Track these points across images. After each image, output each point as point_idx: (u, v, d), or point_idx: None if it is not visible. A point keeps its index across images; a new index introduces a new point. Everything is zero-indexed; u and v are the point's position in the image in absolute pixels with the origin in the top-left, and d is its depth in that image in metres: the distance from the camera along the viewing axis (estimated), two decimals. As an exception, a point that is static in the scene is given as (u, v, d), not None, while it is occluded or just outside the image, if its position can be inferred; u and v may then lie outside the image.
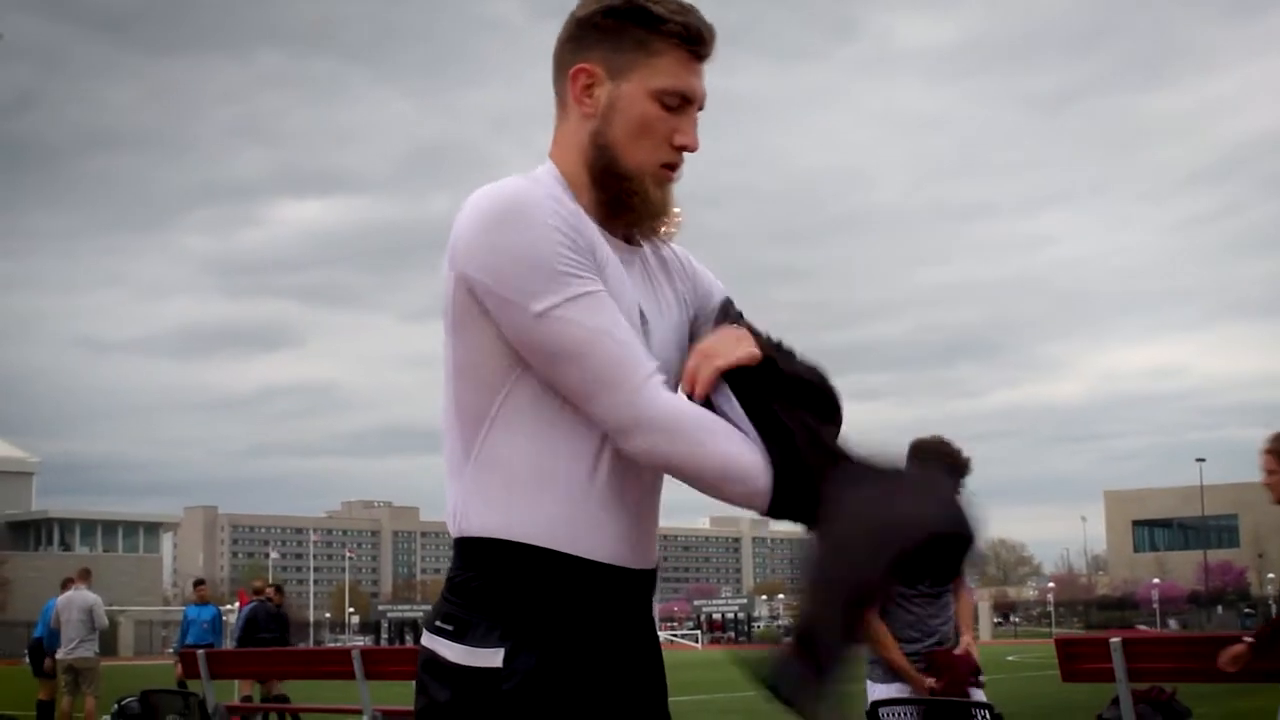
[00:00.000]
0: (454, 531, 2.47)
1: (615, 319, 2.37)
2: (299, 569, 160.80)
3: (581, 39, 2.51)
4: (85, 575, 17.56)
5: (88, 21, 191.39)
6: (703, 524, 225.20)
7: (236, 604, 19.52)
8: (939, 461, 5.95)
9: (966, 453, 6.13)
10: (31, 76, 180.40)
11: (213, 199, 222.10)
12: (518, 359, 2.38)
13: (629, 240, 2.56)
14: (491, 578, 2.39)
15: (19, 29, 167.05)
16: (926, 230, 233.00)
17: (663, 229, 2.57)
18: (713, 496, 2.42)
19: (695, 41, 2.49)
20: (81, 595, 17.07)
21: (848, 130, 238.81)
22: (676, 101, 2.49)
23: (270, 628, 17.73)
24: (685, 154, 2.55)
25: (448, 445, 2.48)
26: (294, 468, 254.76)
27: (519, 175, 2.49)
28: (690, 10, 2.50)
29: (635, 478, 2.46)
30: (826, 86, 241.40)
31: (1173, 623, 73.03)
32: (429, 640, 2.44)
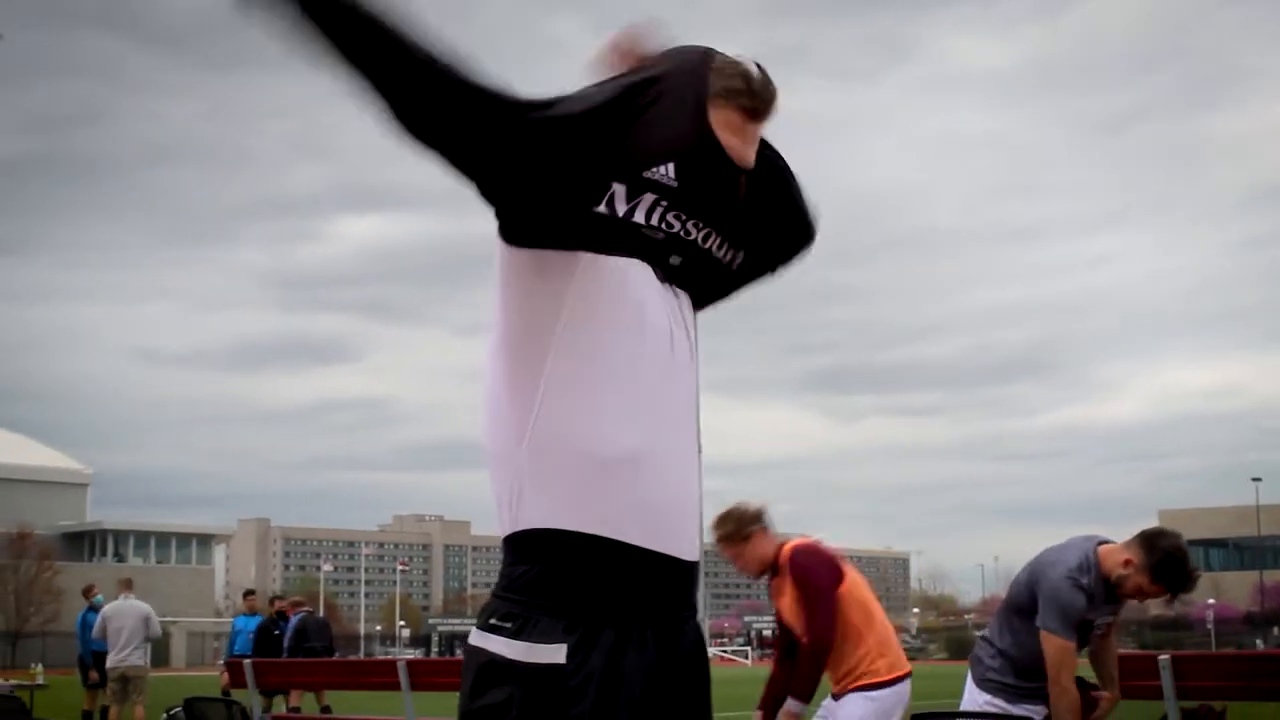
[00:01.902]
0: (507, 524, 2.45)
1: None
2: (350, 582, 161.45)
3: None
4: (128, 584, 17.61)
5: (149, 38, 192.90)
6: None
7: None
8: (1169, 564, 5.74)
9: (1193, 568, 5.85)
10: (93, 92, 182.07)
11: (270, 213, 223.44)
12: (562, 314, 2.40)
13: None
14: (553, 570, 2.37)
15: (82, 46, 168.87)
16: (982, 250, 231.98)
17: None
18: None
19: (756, 108, 2.57)
20: (133, 604, 17.09)
21: (903, 150, 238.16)
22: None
23: (319, 638, 17.82)
24: None
25: (493, 429, 2.46)
26: (347, 481, 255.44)
27: None
28: (753, 79, 2.56)
29: (680, 464, 2.51)
30: (882, 107, 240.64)
31: (1228, 644, 72.39)
32: (481, 639, 2.42)
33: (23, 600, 74.01)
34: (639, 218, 2.47)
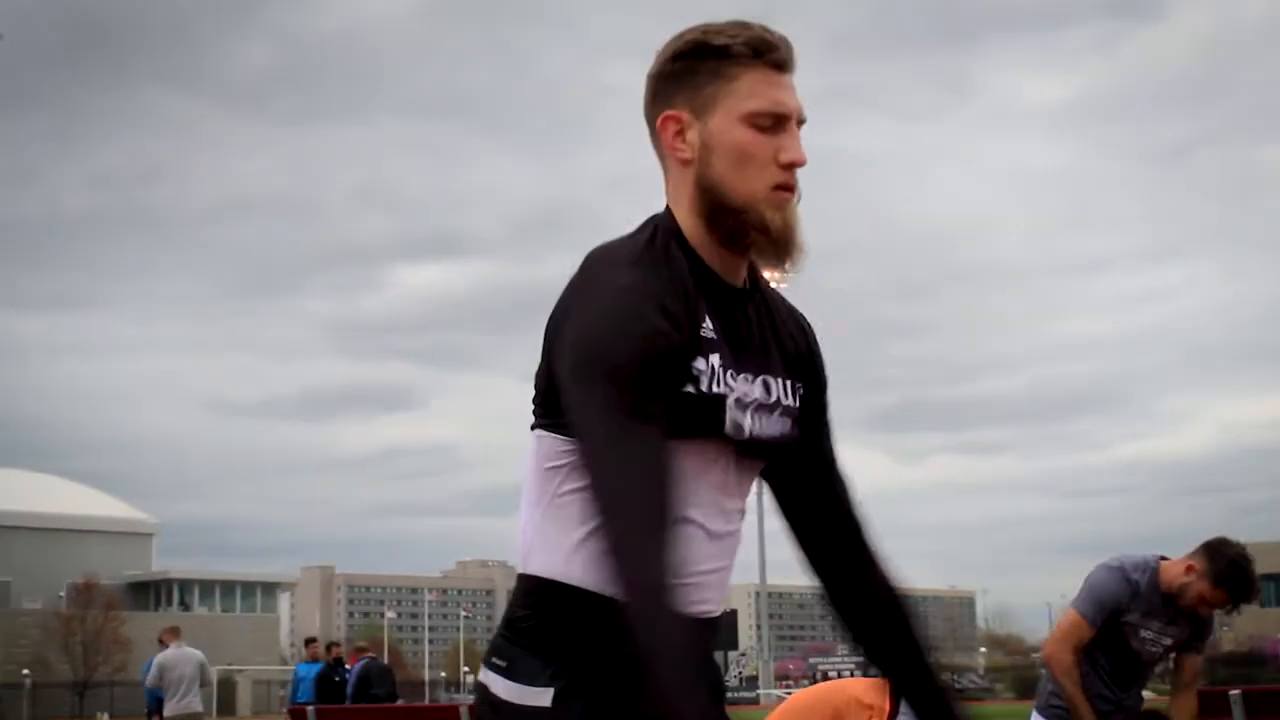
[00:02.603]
0: (519, 568, 2.46)
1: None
2: (414, 628, 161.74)
3: (661, 91, 2.44)
4: (175, 632, 17.70)
5: (219, 94, 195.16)
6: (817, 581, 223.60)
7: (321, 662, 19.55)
8: (1233, 569, 5.65)
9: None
10: (164, 148, 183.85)
11: (336, 263, 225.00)
12: None
13: (747, 283, 2.48)
14: (546, 618, 2.37)
15: (152, 104, 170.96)
16: (1046, 284, 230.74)
17: (791, 258, 2.42)
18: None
19: (768, 52, 2.40)
20: (186, 651, 17.21)
21: (966, 186, 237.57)
22: (770, 121, 2.38)
23: (382, 684, 17.78)
24: (797, 170, 2.41)
25: (526, 487, 2.46)
26: (411, 527, 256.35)
27: (628, 234, 2.44)
28: (751, 26, 2.41)
29: (700, 535, 2.40)
30: (945, 144, 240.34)
31: (1302, 680, 71.23)
32: (484, 675, 2.43)
33: (90, 650, 74.46)
34: (720, 388, 2.37)
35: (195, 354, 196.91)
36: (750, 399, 2.42)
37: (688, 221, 2.43)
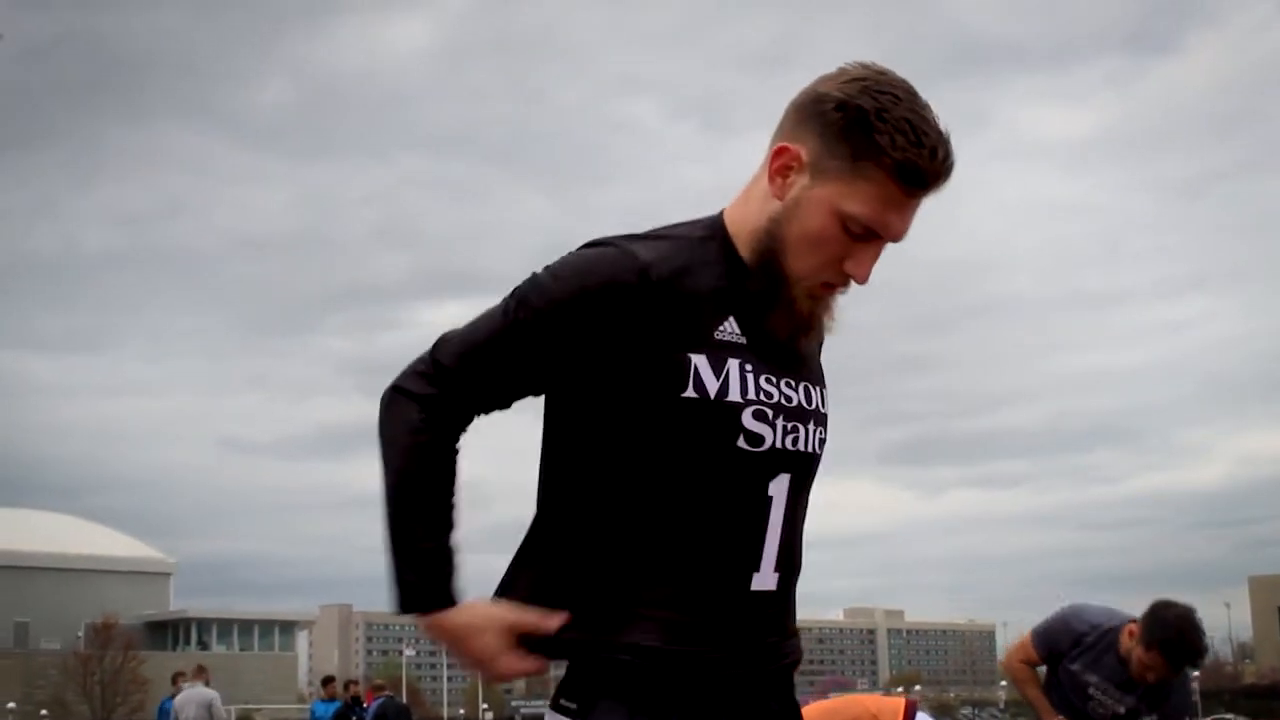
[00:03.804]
0: None
1: (503, 344, 2.32)
2: (433, 665, 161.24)
3: (801, 120, 2.34)
4: (201, 672, 17.69)
5: (236, 130, 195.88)
6: (836, 616, 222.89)
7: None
8: (1165, 632, 5.41)
9: (1206, 639, 5.58)
10: (181, 184, 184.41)
11: (354, 301, 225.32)
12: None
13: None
14: (619, 658, 2.30)
15: (168, 140, 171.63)
16: (1063, 317, 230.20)
17: (796, 336, 2.39)
18: None
19: (913, 183, 2.28)
20: (199, 691, 17.21)
21: (982, 220, 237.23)
22: (861, 231, 2.30)
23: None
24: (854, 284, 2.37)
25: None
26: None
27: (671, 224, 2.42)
28: (924, 145, 2.26)
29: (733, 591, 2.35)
30: (961, 177, 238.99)
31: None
32: (551, 718, 2.36)
33: (109, 690, 74.38)
34: (734, 396, 2.31)
35: (213, 392, 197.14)
36: (792, 403, 2.37)
37: (744, 233, 2.38)
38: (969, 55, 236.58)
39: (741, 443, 2.30)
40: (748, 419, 2.30)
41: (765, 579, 2.34)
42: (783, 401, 2.35)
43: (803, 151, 2.31)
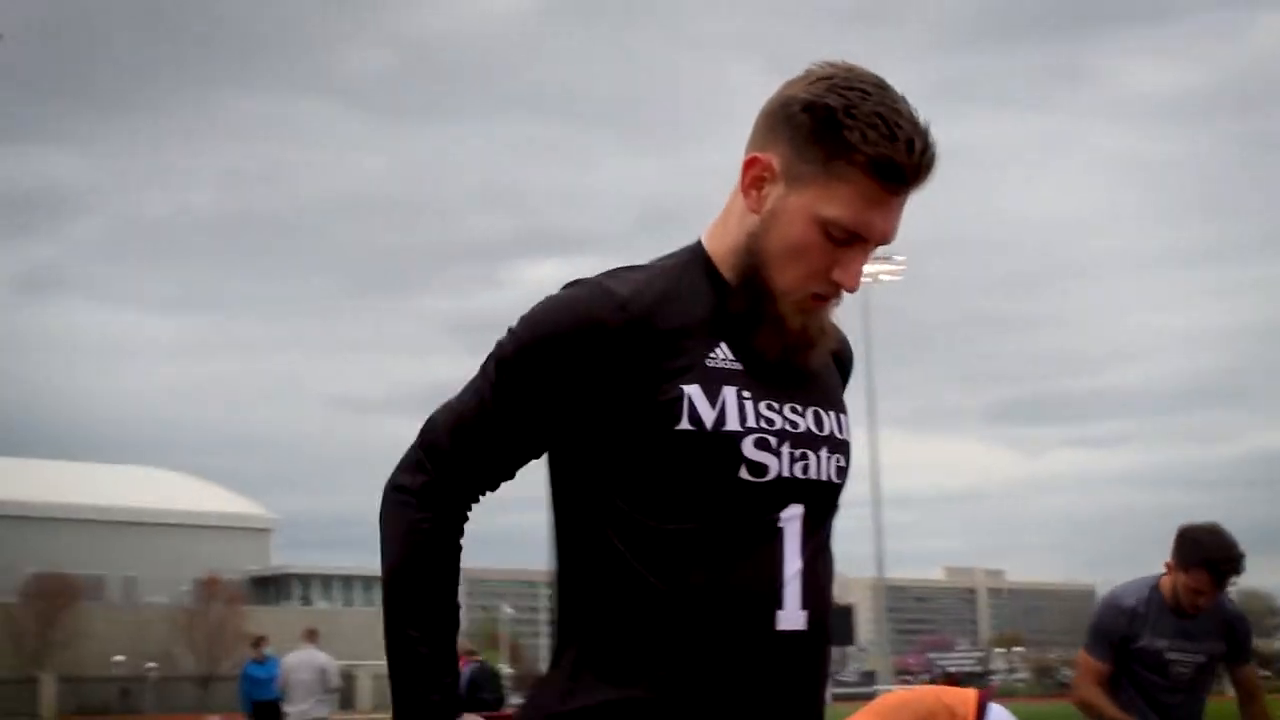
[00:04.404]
0: None
1: (496, 417, 2.22)
2: (532, 622, 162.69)
3: (770, 127, 2.23)
4: (313, 635, 17.67)
5: (341, 94, 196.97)
6: (936, 574, 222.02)
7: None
8: (1195, 546, 5.42)
9: (1241, 547, 5.54)
10: (286, 148, 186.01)
11: (456, 261, 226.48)
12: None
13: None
14: None
15: (269, 105, 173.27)
16: (1165, 274, 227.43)
17: (801, 356, 2.23)
18: None
19: (889, 177, 2.14)
20: (311, 655, 17.15)
21: (1080, 177, 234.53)
22: (844, 235, 2.15)
23: (491, 689, 17.76)
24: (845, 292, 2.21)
25: None
26: (532, 521, 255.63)
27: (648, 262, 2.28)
28: (898, 137, 2.13)
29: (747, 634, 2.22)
30: (1057, 134, 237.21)
31: None
32: None
33: (214, 644, 75.45)
34: (732, 424, 2.16)
35: (319, 351, 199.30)
36: (799, 429, 2.22)
37: (725, 254, 2.26)
38: (1067, 8, 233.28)
39: (744, 473, 2.15)
40: (749, 448, 2.15)
41: (792, 617, 2.18)
42: (787, 428, 2.20)
43: (774, 160, 2.20)
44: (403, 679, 2.19)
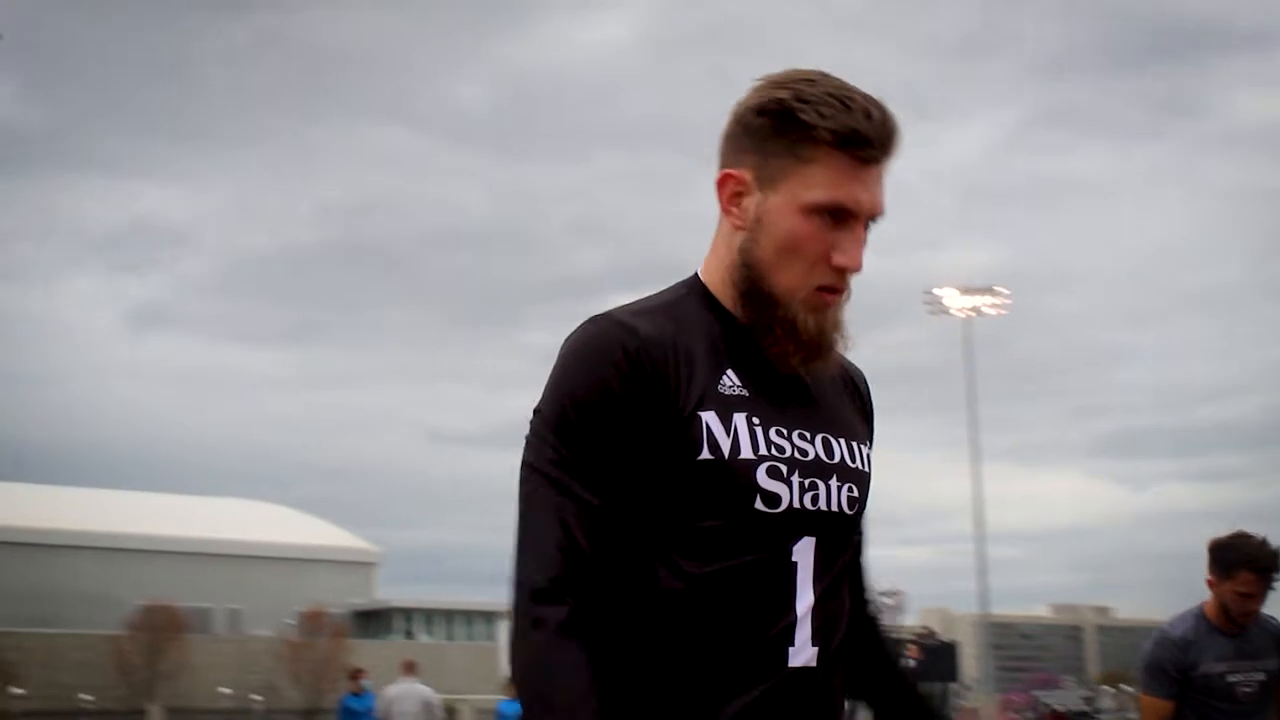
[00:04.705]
0: None
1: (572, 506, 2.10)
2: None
3: (732, 142, 2.26)
4: (412, 668, 17.69)
5: (437, 127, 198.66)
6: (1042, 611, 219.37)
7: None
8: (1229, 549, 5.38)
9: (1275, 543, 5.49)
10: (383, 180, 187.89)
11: (552, 295, 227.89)
12: None
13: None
14: None
15: (375, 138, 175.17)
16: (1273, 307, 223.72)
17: (820, 360, 2.21)
18: None
19: (855, 145, 2.16)
20: (414, 687, 17.19)
21: (1189, 208, 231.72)
22: (834, 216, 2.14)
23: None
24: (850, 274, 2.19)
25: None
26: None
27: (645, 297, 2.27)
28: (852, 108, 2.16)
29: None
30: (1166, 164, 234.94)
31: None
32: None
33: (318, 677, 75.94)
34: (746, 453, 2.13)
35: (417, 384, 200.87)
36: (809, 457, 2.17)
37: (721, 281, 2.26)
38: (1175, 38, 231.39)
39: (759, 504, 2.11)
40: (762, 477, 2.12)
41: (803, 654, 2.16)
42: (796, 456, 2.16)
43: (745, 172, 2.23)
44: None
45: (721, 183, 2.24)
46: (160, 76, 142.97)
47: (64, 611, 75.66)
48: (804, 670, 2.15)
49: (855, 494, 2.23)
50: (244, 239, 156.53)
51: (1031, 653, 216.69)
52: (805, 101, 2.16)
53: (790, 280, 2.18)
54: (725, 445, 2.12)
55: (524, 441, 2.17)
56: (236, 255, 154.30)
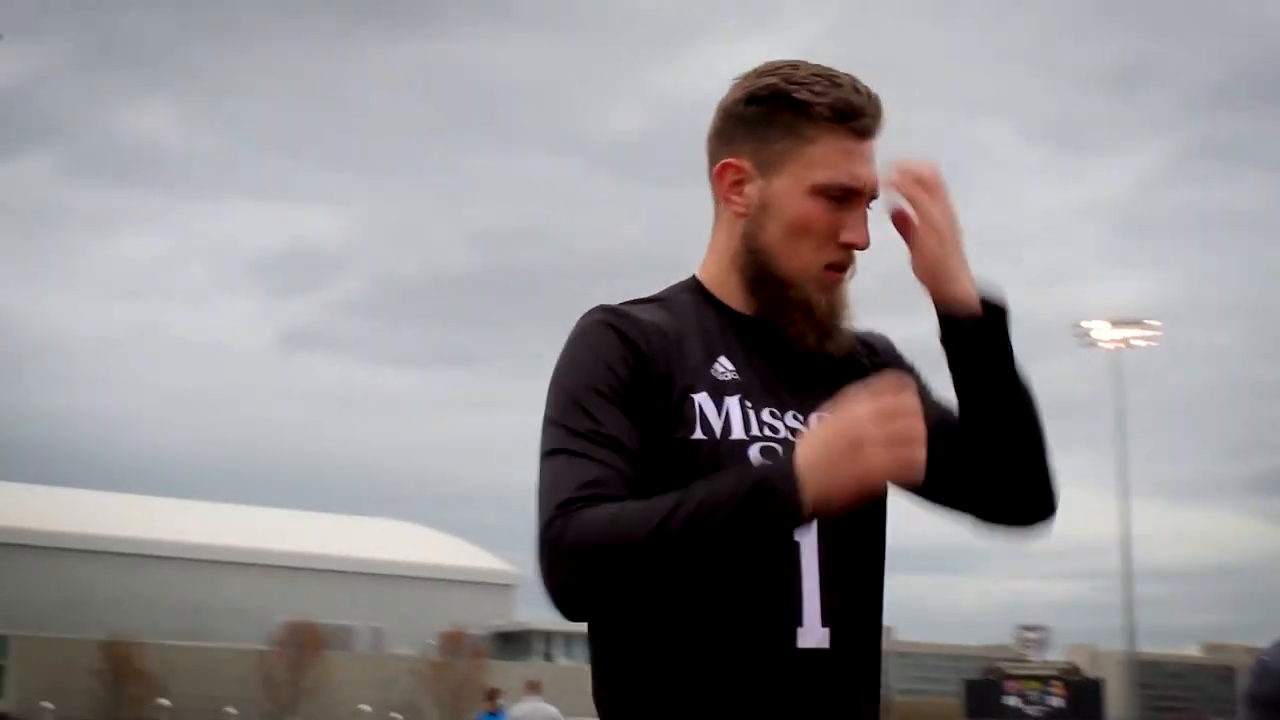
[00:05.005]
0: None
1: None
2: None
3: (726, 133, 2.28)
4: (535, 687, 17.76)
5: (592, 155, 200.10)
6: (1192, 650, 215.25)
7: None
8: None
9: None
10: (538, 209, 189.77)
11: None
12: None
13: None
14: None
15: (527, 166, 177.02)
16: None
17: (834, 338, 2.20)
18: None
19: (852, 118, 2.20)
20: (540, 707, 17.26)
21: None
22: (839, 194, 2.19)
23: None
24: (857, 251, 2.24)
25: None
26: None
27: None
28: (840, 83, 2.22)
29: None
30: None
31: None
32: None
33: (458, 697, 76.46)
34: (738, 433, 2.16)
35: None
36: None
37: (722, 271, 2.29)
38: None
39: None
40: (755, 457, 2.09)
41: (813, 635, 2.13)
42: (789, 437, 2.15)
43: (744, 160, 2.25)
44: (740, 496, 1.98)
45: (720, 173, 2.26)
46: (317, 102, 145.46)
47: (212, 625, 77.09)
48: (815, 652, 2.12)
49: None
50: (398, 263, 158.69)
51: (1181, 693, 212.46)
52: (795, 83, 2.20)
53: (801, 261, 2.20)
54: (717, 426, 2.13)
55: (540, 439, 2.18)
56: (390, 279, 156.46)
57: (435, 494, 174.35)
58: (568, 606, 2.05)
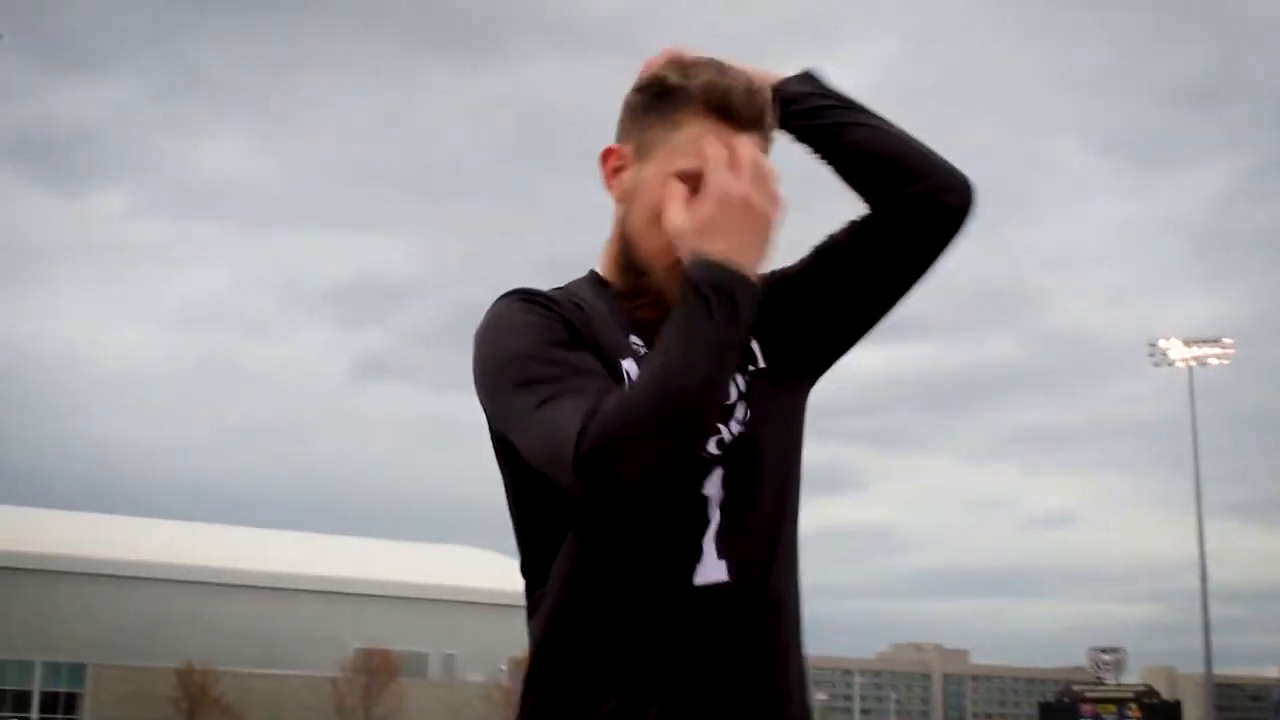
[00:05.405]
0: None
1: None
2: (846, 710, 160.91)
3: (620, 120, 2.29)
4: None
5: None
6: (1272, 672, 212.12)
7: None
8: None
9: None
10: (605, 236, 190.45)
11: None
12: None
13: None
14: None
15: (591, 195, 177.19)
16: None
17: None
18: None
19: (721, 106, 2.16)
20: None
21: None
22: (701, 183, 2.11)
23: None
24: None
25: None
26: (847, 609, 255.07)
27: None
28: (723, 73, 2.19)
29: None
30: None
31: None
32: None
33: (529, 723, 76.61)
34: None
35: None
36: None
37: (608, 258, 2.31)
38: None
39: None
40: None
41: (711, 571, 2.13)
42: None
43: (624, 144, 2.25)
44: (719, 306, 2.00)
45: (603, 158, 2.27)
46: (391, 132, 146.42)
47: (286, 653, 77.37)
48: (713, 587, 2.12)
49: (753, 414, 2.21)
50: (469, 291, 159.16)
51: (1261, 715, 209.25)
52: (681, 73, 2.19)
53: (654, 248, 2.18)
54: None
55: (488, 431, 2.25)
56: (462, 307, 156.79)
57: (507, 521, 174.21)
58: (629, 468, 1.97)
